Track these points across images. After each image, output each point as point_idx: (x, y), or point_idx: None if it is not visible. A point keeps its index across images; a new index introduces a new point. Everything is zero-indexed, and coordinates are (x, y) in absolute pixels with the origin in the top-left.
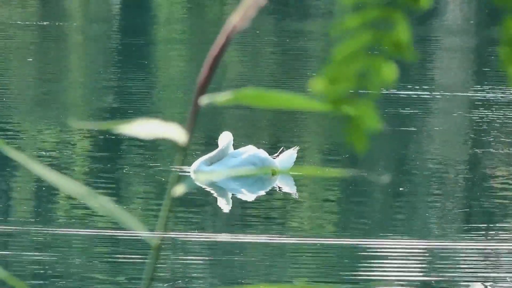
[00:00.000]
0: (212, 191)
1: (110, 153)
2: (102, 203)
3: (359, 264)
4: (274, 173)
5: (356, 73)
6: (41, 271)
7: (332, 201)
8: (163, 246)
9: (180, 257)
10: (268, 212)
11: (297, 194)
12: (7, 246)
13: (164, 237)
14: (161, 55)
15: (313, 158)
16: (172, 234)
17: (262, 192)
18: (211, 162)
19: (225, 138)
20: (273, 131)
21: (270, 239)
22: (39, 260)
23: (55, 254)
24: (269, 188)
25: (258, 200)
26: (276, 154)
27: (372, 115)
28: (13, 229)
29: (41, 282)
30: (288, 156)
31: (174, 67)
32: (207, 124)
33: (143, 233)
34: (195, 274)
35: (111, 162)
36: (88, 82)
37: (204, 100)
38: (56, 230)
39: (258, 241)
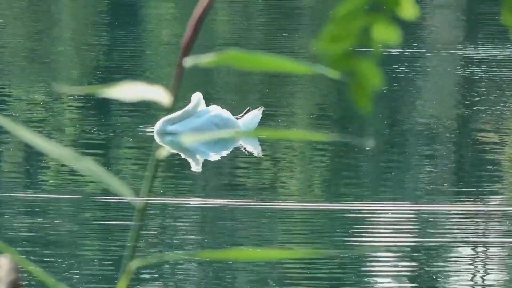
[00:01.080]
0: (181, 154)
1: (96, 115)
2: (88, 166)
3: (348, 229)
4: (236, 136)
5: (357, 31)
6: (31, 237)
7: (321, 165)
8: (149, 211)
9: (168, 223)
10: (256, 176)
11: (261, 153)
12: None
13: (149, 201)
14: (154, 13)
15: (302, 121)
16: (160, 199)
17: (226, 152)
18: (173, 122)
19: (194, 99)
20: (263, 93)
21: (259, 204)
22: (29, 225)
23: (45, 220)
24: (233, 148)
25: (245, 163)
26: (241, 115)
27: (375, 74)
28: (2, 195)
29: (31, 248)
30: (253, 116)
31: (167, 26)
32: (199, 85)
33: (128, 197)
34: (184, 239)
35: (98, 124)
36: (78, 41)
37: (189, 61)
38: (45, 195)
39: (247, 206)
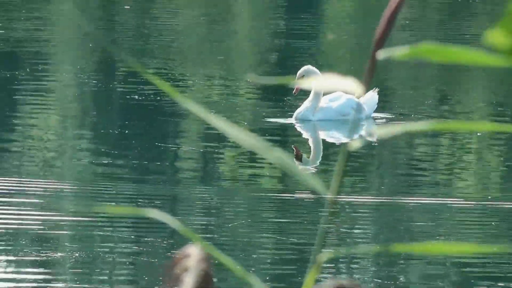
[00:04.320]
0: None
1: (275, 104)
2: (279, 157)
3: None
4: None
5: None
6: (206, 235)
7: (497, 161)
8: (336, 207)
9: (345, 220)
10: (431, 173)
11: (376, 141)
12: (172, 210)
13: (338, 196)
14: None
15: (479, 114)
16: (341, 197)
17: (355, 136)
18: (313, 109)
19: (316, 80)
20: (438, 85)
21: (435, 201)
22: (203, 223)
23: (219, 216)
24: (358, 134)
25: (421, 161)
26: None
27: None
28: (179, 191)
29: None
30: (370, 98)
31: (345, 13)
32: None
33: (317, 191)
34: (362, 237)
35: (278, 112)
36: (254, 26)
37: (382, 54)
38: (220, 193)
39: (423, 202)
